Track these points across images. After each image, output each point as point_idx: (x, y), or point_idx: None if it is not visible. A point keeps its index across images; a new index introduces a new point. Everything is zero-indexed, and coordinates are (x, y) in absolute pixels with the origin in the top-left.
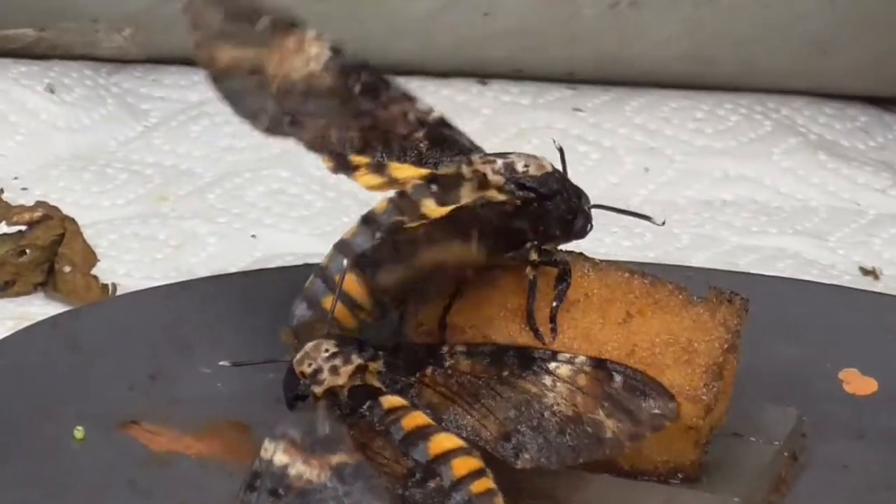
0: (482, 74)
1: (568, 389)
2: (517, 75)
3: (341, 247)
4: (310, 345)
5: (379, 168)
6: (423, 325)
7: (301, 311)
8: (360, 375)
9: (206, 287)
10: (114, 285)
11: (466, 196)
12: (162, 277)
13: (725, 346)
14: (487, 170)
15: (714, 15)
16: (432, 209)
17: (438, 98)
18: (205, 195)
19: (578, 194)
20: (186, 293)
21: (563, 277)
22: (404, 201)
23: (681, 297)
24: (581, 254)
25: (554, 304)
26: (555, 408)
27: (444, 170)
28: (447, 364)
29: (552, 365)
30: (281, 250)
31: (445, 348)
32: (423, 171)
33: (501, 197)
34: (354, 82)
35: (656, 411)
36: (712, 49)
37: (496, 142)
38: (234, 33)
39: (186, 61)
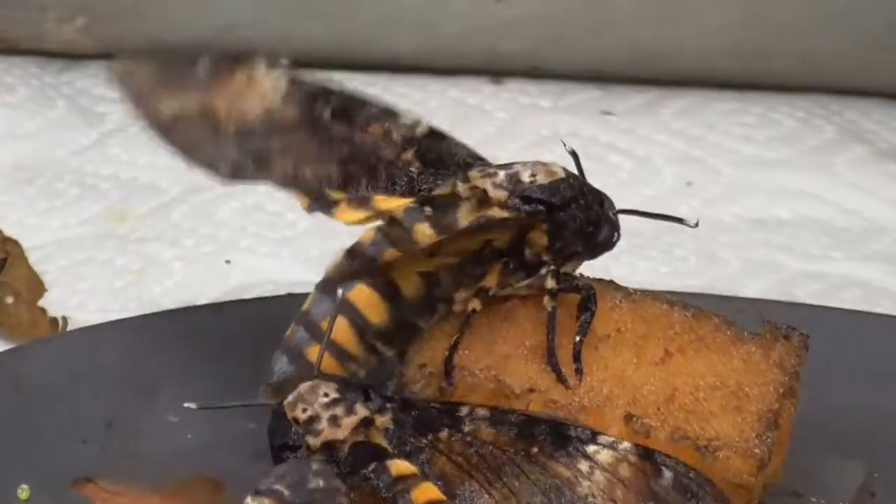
0: (495, 72)
1: (607, 480)
2: (536, 73)
3: (325, 287)
4: (305, 385)
5: (362, 201)
6: (427, 366)
7: (282, 365)
8: (363, 430)
9: (171, 321)
10: (64, 319)
11: (464, 218)
12: (120, 310)
13: (781, 390)
14: (487, 184)
15: (770, 0)
16: (426, 234)
17: (444, 100)
18: (170, 213)
19: (599, 200)
20: (149, 328)
21: (587, 305)
22: (394, 229)
23: (729, 332)
24: (611, 282)
25: (577, 338)
26: (589, 500)
27: (437, 192)
28: (466, 429)
29: (591, 448)
30: (259, 278)
31: (465, 409)
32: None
33: (505, 214)
34: (322, 108)
35: None
36: (767, 41)
37: (512, 150)
38: (174, 83)
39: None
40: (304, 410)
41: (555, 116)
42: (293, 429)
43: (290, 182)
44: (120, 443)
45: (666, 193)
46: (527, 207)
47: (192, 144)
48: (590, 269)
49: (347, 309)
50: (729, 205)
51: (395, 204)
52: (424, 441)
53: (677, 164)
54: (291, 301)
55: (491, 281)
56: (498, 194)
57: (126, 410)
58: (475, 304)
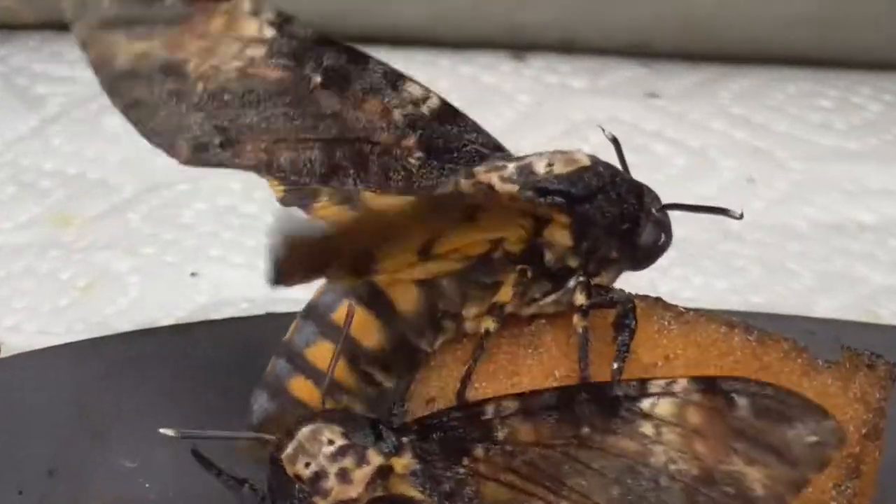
0: (518, 46)
1: (679, 436)
2: (567, 47)
3: (310, 313)
4: (305, 431)
5: (347, 199)
6: (436, 400)
7: (262, 403)
8: (381, 483)
9: (126, 346)
10: None
11: None
12: (65, 332)
13: (864, 430)
14: (493, 178)
15: None
16: None
17: (455, 80)
18: (125, 216)
19: (637, 192)
20: (100, 355)
21: (624, 322)
22: None
23: (800, 360)
24: (658, 299)
25: (615, 365)
26: (671, 468)
27: (437, 192)
28: (500, 436)
29: (646, 403)
30: (231, 294)
31: (490, 410)
32: (409, 200)
33: (513, 191)
34: (313, 70)
35: (812, 438)
36: (848, 9)
37: (536, 141)
38: (137, 18)
39: None
40: (307, 465)
41: (590, 99)
42: (296, 486)
43: (263, 167)
44: (64, 493)
45: (723, 192)
46: (542, 200)
47: (147, 107)
48: (631, 284)
49: (331, 331)
50: (799, 206)
51: (386, 203)
52: (461, 470)
53: (737, 157)
54: (270, 322)
55: (505, 294)
56: (506, 188)
57: (71, 454)
58: (489, 323)
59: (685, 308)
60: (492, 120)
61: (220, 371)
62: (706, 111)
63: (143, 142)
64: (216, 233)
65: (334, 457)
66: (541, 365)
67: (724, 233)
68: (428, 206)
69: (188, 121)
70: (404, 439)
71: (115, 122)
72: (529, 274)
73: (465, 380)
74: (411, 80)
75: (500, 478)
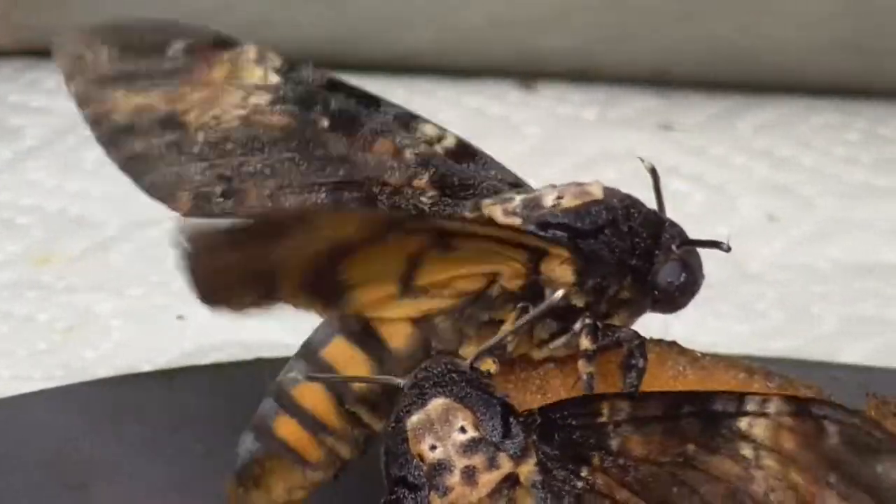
0: (528, 73)
1: (776, 462)
2: (579, 75)
3: (302, 351)
4: (437, 405)
5: None
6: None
7: (247, 445)
8: (507, 493)
9: (108, 393)
10: None
11: None
12: (43, 378)
13: None
14: (497, 211)
15: None
16: None
17: (459, 110)
18: (108, 255)
19: (655, 226)
20: (80, 402)
21: (631, 362)
22: None
23: None
24: (673, 343)
25: None
26: (771, 497)
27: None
28: (614, 446)
29: (744, 423)
30: (220, 338)
31: (606, 410)
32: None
33: (509, 221)
34: (320, 114)
35: None
36: (878, 37)
37: (546, 175)
38: (135, 72)
39: None
40: (433, 448)
41: (602, 131)
42: (414, 462)
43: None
44: None
45: (743, 231)
46: (544, 234)
47: (148, 159)
48: (644, 326)
49: (320, 369)
50: (824, 246)
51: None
52: (581, 483)
53: (758, 194)
54: (260, 368)
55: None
56: (508, 222)
57: None
58: (489, 365)
59: (702, 353)
60: (499, 154)
61: (207, 420)
62: (725, 144)
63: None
64: None
65: (465, 449)
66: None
67: (743, 273)
68: (382, 222)
69: (189, 172)
70: (532, 440)
71: (97, 156)
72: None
73: None
74: (425, 120)
75: (615, 496)
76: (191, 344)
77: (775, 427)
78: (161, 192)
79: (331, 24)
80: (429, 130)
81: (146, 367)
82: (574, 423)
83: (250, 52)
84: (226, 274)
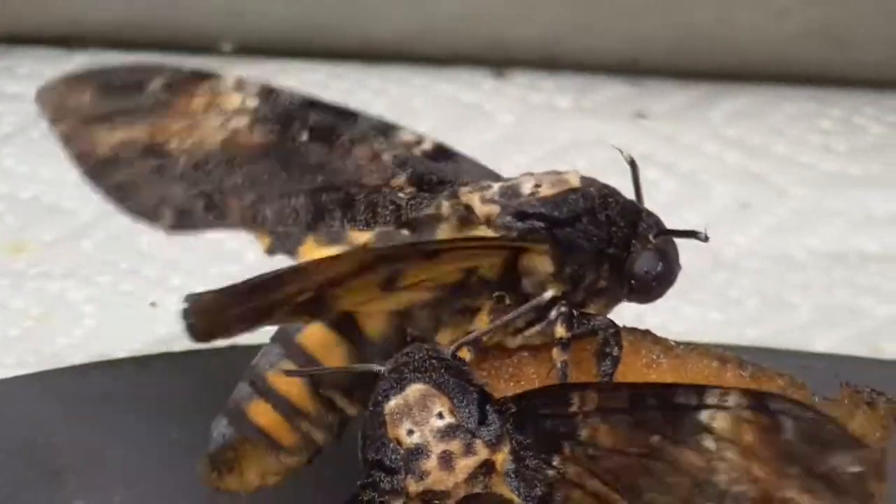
0: (501, 62)
1: (738, 455)
2: (551, 63)
3: (278, 335)
4: (415, 390)
5: (334, 237)
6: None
7: (220, 428)
8: (482, 479)
9: (82, 380)
10: None
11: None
12: (16, 364)
13: None
14: (474, 199)
15: None
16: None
17: (431, 98)
18: (80, 242)
19: (632, 215)
20: (53, 389)
21: (605, 350)
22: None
23: (796, 397)
24: (647, 332)
25: None
26: (734, 489)
27: (421, 214)
28: (583, 435)
29: (705, 415)
30: None
31: (576, 400)
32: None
33: (490, 233)
34: (299, 130)
35: (855, 468)
36: (851, 24)
37: (518, 163)
38: (116, 110)
39: (55, 40)
40: (411, 433)
41: (575, 120)
42: (391, 446)
43: (249, 223)
44: None
45: (717, 219)
46: (520, 225)
47: (130, 187)
48: (618, 315)
49: (295, 353)
50: (798, 235)
51: (328, 260)
52: (552, 472)
53: (731, 182)
54: (233, 355)
55: (481, 322)
56: (486, 210)
57: (23, 495)
58: (464, 353)
59: (675, 342)
60: (471, 141)
61: (180, 406)
62: (698, 133)
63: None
64: (177, 261)
65: (442, 434)
66: None
67: (717, 262)
68: (375, 260)
69: (170, 192)
70: (507, 427)
71: None
72: (507, 301)
73: None
74: (403, 128)
75: (585, 484)
76: (164, 330)
77: (735, 420)
78: (144, 212)
79: (304, 14)
80: (407, 136)
81: (119, 354)
82: (546, 412)
83: (228, 80)
84: (224, 323)
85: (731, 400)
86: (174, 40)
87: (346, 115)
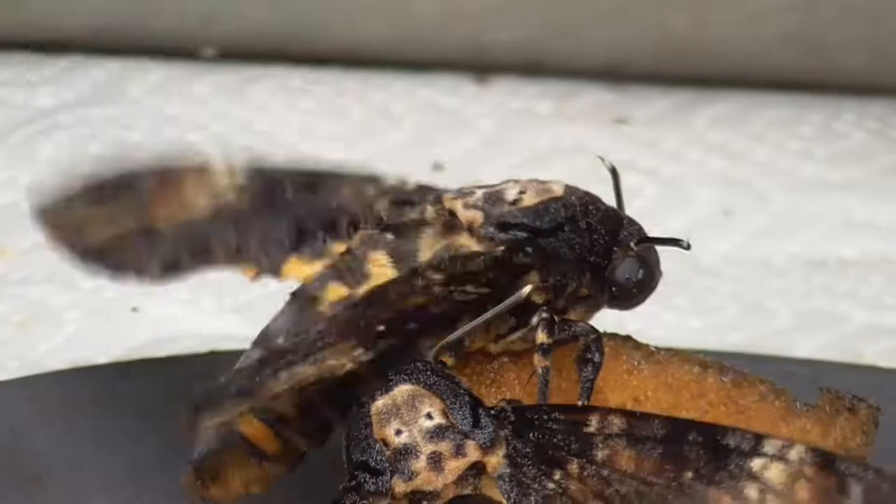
0: (481, 67)
1: None
2: (533, 69)
3: (264, 339)
4: (403, 391)
5: (317, 252)
6: None
7: (205, 437)
8: (472, 481)
9: (63, 386)
10: None
11: (428, 247)
12: None
13: None
14: (458, 205)
15: None
16: (381, 264)
17: (412, 103)
18: None
19: (613, 223)
20: (34, 395)
21: (587, 357)
22: (344, 260)
23: (777, 403)
24: (628, 337)
25: (579, 403)
26: None
27: (404, 218)
28: (600, 456)
29: (757, 463)
30: (174, 331)
31: (595, 420)
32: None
33: (474, 245)
34: (284, 189)
35: None
36: (830, 30)
37: (499, 169)
38: (108, 211)
39: (37, 44)
40: (399, 433)
41: (556, 126)
42: (377, 447)
43: (233, 260)
44: None
45: (698, 225)
46: (503, 236)
47: (121, 260)
48: (599, 321)
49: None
50: (778, 240)
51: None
52: (552, 485)
53: (712, 188)
54: (214, 361)
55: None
56: (469, 215)
57: (4, 501)
58: (446, 359)
59: (656, 347)
60: (451, 146)
61: (161, 412)
62: (679, 138)
63: (80, 168)
64: None
65: (431, 435)
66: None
67: (697, 268)
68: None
69: (157, 251)
70: (501, 432)
71: (52, 148)
72: (488, 307)
73: None
74: (386, 175)
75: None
76: (145, 336)
77: (793, 475)
78: (133, 275)
79: (284, 18)
80: (391, 180)
81: (100, 360)
82: (555, 426)
83: (218, 167)
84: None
85: (794, 454)
86: (156, 46)
87: (331, 173)
